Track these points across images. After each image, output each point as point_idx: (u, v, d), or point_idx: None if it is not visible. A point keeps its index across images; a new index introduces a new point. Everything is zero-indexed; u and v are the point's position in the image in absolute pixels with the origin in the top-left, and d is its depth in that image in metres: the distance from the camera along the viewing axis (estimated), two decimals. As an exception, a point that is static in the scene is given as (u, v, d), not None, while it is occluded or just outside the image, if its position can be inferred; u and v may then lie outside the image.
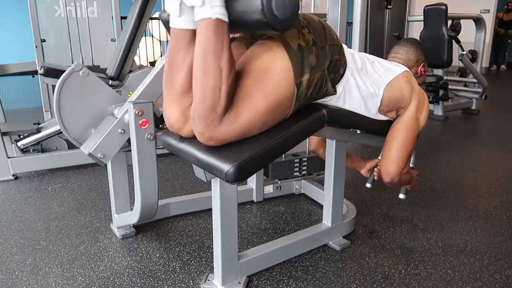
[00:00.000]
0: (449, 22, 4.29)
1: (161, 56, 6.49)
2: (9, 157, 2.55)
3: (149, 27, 6.04)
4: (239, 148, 1.21)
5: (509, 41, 9.78)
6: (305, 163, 2.14)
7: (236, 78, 1.20)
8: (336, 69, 1.35)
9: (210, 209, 1.44)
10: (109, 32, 3.93)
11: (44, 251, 1.73)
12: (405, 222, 2.02)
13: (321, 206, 2.10)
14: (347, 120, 1.52)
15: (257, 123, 1.22)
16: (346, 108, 1.47)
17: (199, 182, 2.50)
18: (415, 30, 5.58)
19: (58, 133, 2.71)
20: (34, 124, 2.89)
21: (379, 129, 1.60)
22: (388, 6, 4.77)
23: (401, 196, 1.76)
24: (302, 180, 2.32)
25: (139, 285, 1.50)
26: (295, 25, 1.25)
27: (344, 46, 1.44)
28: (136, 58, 4.32)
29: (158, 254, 1.71)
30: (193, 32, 1.16)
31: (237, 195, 1.41)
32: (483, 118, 4.63)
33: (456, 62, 4.42)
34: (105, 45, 3.87)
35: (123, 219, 1.86)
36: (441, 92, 4.36)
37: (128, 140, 1.67)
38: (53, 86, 2.69)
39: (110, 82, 2.58)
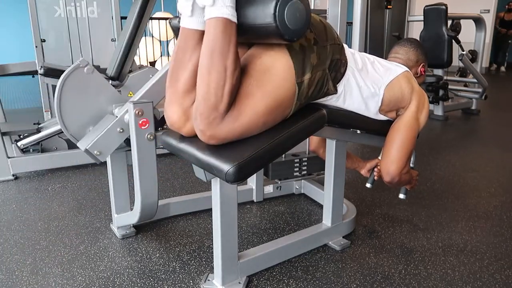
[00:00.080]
0: (449, 22, 4.29)
1: (161, 56, 6.49)
2: (9, 157, 2.55)
3: (149, 27, 6.04)
4: (239, 148, 1.22)
5: (509, 41, 9.75)
6: (305, 163, 2.14)
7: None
8: (337, 68, 1.35)
9: (210, 209, 1.44)
10: (109, 32, 3.93)
11: (44, 251, 1.73)
12: (405, 222, 2.02)
13: (321, 206, 2.10)
14: (347, 120, 1.52)
15: (258, 122, 1.22)
16: (346, 108, 1.48)
17: (199, 182, 2.50)
18: (415, 30, 5.58)
19: (58, 133, 2.71)
20: (34, 124, 2.89)
21: (379, 129, 1.60)
22: (388, 6, 4.77)
23: (401, 196, 1.76)
24: (302, 180, 2.32)
25: (139, 285, 1.50)
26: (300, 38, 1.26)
27: (345, 45, 1.44)
28: (136, 58, 4.32)
29: (158, 254, 1.71)
30: (202, 33, 1.18)
31: (237, 195, 1.41)
32: (483, 118, 4.63)
33: (456, 62, 4.42)
34: (105, 45, 3.87)
35: (123, 219, 1.86)
36: (441, 92, 4.36)
37: (125, 140, 1.67)
38: (53, 86, 2.69)
39: (110, 82, 2.58)
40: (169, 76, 1.27)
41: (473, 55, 4.66)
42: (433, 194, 2.37)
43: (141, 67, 3.25)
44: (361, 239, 1.84)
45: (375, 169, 1.81)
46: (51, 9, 3.77)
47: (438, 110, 4.54)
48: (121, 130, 1.65)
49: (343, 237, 1.83)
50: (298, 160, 2.12)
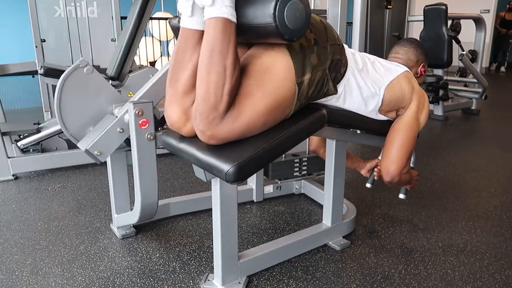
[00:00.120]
0: (449, 22, 4.29)
1: (161, 56, 6.49)
2: (9, 157, 2.55)
3: (149, 27, 6.04)
4: (239, 148, 1.22)
5: (510, 41, 9.72)
6: (305, 163, 2.14)
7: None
8: (337, 68, 1.35)
9: (210, 209, 1.44)
10: (109, 32, 3.92)
11: (44, 251, 1.73)
12: (405, 222, 2.02)
13: (321, 206, 2.10)
14: (347, 120, 1.52)
15: (258, 122, 1.22)
16: (346, 108, 1.48)
17: (199, 182, 2.50)
18: (415, 30, 5.58)
19: (58, 133, 2.71)
20: (34, 124, 2.89)
21: (379, 129, 1.60)
22: (388, 6, 4.77)
23: (401, 196, 1.76)
24: (302, 180, 2.32)
25: (139, 285, 1.50)
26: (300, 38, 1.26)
27: (345, 46, 1.44)
28: (136, 58, 4.32)
29: (158, 254, 1.71)
30: (202, 33, 1.18)
31: (237, 195, 1.41)
32: (483, 118, 4.63)
33: (456, 62, 4.42)
34: (105, 45, 3.87)
35: (123, 219, 1.86)
36: (441, 92, 4.36)
37: (125, 140, 1.67)
38: (53, 86, 2.69)
39: (110, 82, 2.58)
40: (169, 76, 1.27)
41: (473, 55, 4.66)
42: (433, 194, 2.37)
43: (141, 67, 3.25)
44: (361, 239, 1.84)
45: (375, 169, 1.81)
46: (51, 9, 3.77)
47: (438, 110, 4.54)
48: (121, 130, 1.65)
49: (343, 237, 1.83)
50: (298, 160, 2.12)
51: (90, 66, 1.73)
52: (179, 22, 1.23)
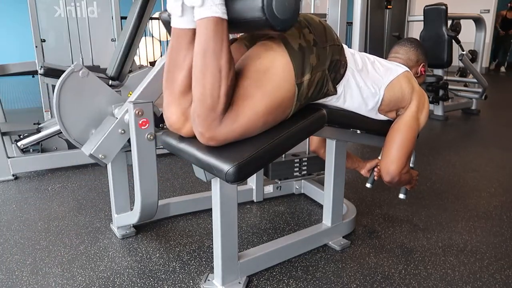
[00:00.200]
0: (449, 22, 4.29)
1: (161, 56, 6.49)
2: (9, 157, 2.55)
3: (149, 27, 6.04)
4: (239, 148, 1.22)
5: (511, 40, 9.69)
6: (305, 163, 2.14)
7: (237, 78, 1.21)
8: (336, 69, 1.35)
9: (210, 209, 1.44)
10: (109, 32, 3.92)
11: (44, 251, 1.73)
12: (405, 222, 2.02)
13: (321, 206, 2.10)
14: (347, 120, 1.52)
15: (258, 123, 1.22)
16: (346, 108, 1.47)
17: (199, 182, 2.50)
18: (415, 30, 5.57)
19: (58, 133, 2.71)
20: (34, 124, 2.88)
21: (379, 129, 1.60)
22: (388, 6, 4.77)
23: (401, 196, 1.76)
24: (302, 180, 2.32)
25: (139, 285, 1.50)
26: (294, 26, 1.25)
27: (345, 46, 1.44)
28: (136, 58, 4.32)
29: (158, 254, 1.71)
30: (194, 32, 1.17)
31: (237, 195, 1.41)
32: (483, 118, 4.63)
33: (456, 62, 4.42)
34: (105, 45, 3.87)
35: (123, 219, 1.86)
36: (441, 92, 4.36)
37: (129, 140, 1.67)
38: (53, 86, 2.69)
39: (110, 82, 2.58)
40: (165, 77, 1.26)
41: (473, 55, 4.66)
42: (433, 194, 2.37)
43: (141, 67, 3.25)
44: (361, 239, 1.84)
45: (375, 169, 1.81)
46: (51, 9, 3.77)
47: (438, 110, 4.54)
48: (123, 131, 1.65)
49: (343, 237, 1.83)
50: (298, 160, 2.12)
51: (85, 69, 1.73)
52: (169, 16, 1.22)
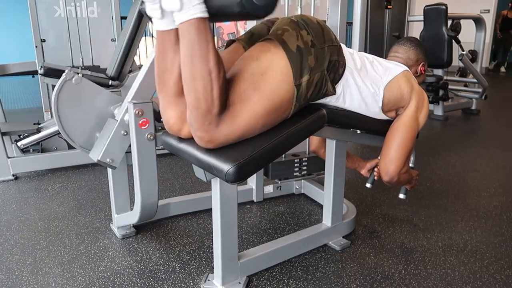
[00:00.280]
0: (449, 22, 4.29)
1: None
2: (9, 157, 2.56)
3: (149, 27, 6.03)
4: (239, 148, 1.22)
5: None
6: (305, 163, 2.14)
7: (234, 80, 1.20)
8: (335, 69, 1.35)
9: (210, 209, 1.44)
10: (109, 32, 3.92)
11: (44, 251, 1.73)
12: (405, 222, 2.02)
13: (321, 206, 2.10)
14: (347, 120, 1.52)
15: (257, 125, 1.22)
16: (347, 108, 1.47)
17: (199, 182, 2.50)
18: (415, 30, 5.58)
19: (58, 133, 2.71)
20: (34, 124, 2.88)
21: (379, 129, 1.60)
22: (388, 6, 4.77)
23: (401, 196, 1.76)
24: (302, 180, 2.32)
25: (139, 285, 1.50)
26: (292, 27, 1.26)
27: (343, 46, 1.44)
28: (136, 58, 4.31)
29: (158, 254, 1.71)
30: (178, 31, 1.14)
31: (237, 195, 1.41)
32: (483, 118, 4.63)
33: (456, 62, 4.42)
34: (105, 45, 3.87)
35: (123, 219, 1.86)
36: (441, 92, 4.37)
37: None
38: (53, 86, 2.69)
39: (110, 82, 2.58)
40: (156, 81, 1.26)
41: (473, 55, 4.66)
42: (433, 194, 2.37)
43: (141, 67, 3.24)
44: (361, 239, 1.84)
45: (375, 169, 1.81)
46: (51, 9, 3.76)
47: (438, 110, 4.54)
48: (125, 133, 1.65)
49: (343, 237, 1.83)
50: (298, 160, 2.12)
51: (77, 76, 1.73)
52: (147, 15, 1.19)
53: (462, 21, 4.41)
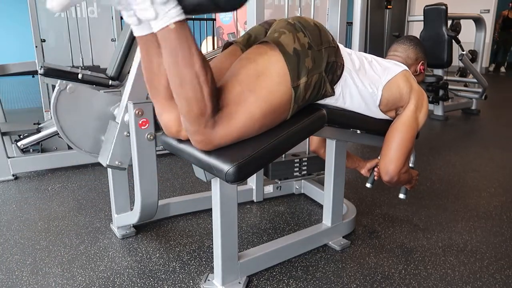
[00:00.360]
0: (449, 22, 4.29)
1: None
2: (9, 157, 2.56)
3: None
4: (239, 148, 1.22)
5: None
6: (305, 163, 2.14)
7: (231, 82, 1.20)
8: (333, 70, 1.35)
9: (210, 209, 1.44)
10: (109, 32, 3.92)
11: (44, 251, 1.73)
12: (405, 222, 2.02)
13: (321, 206, 2.10)
14: (347, 120, 1.52)
15: (254, 127, 1.22)
16: (347, 108, 1.47)
17: (199, 182, 2.50)
18: (415, 30, 5.58)
19: (58, 133, 2.71)
20: (34, 124, 2.88)
21: (379, 129, 1.60)
22: (388, 6, 4.78)
23: (401, 196, 1.76)
24: (302, 180, 2.32)
25: (139, 285, 1.50)
26: (289, 30, 1.26)
27: (341, 46, 1.44)
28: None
29: (158, 254, 1.71)
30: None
31: (237, 195, 1.41)
32: (483, 118, 4.63)
33: (456, 62, 4.43)
34: (105, 45, 3.87)
35: (123, 219, 1.86)
36: (441, 92, 4.37)
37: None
38: (53, 86, 2.69)
39: (110, 82, 2.58)
40: (148, 87, 1.25)
41: (473, 55, 4.66)
42: (433, 194, 2.37)
43: (141, 67, 3.23)
44: (361, 239, 1.84)
45: (375, 169, 1.81)
46: (51, 9, 3.76)
47: (438, 110, 4.54)
48: (128, 134, 1.65)
49: (343, 237, 1.83)
50: (298, 160, 2.12)
51: (71, 85, 1.74)
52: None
53: (462, 21, 4.41)
